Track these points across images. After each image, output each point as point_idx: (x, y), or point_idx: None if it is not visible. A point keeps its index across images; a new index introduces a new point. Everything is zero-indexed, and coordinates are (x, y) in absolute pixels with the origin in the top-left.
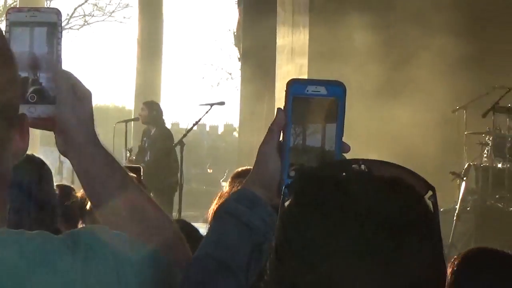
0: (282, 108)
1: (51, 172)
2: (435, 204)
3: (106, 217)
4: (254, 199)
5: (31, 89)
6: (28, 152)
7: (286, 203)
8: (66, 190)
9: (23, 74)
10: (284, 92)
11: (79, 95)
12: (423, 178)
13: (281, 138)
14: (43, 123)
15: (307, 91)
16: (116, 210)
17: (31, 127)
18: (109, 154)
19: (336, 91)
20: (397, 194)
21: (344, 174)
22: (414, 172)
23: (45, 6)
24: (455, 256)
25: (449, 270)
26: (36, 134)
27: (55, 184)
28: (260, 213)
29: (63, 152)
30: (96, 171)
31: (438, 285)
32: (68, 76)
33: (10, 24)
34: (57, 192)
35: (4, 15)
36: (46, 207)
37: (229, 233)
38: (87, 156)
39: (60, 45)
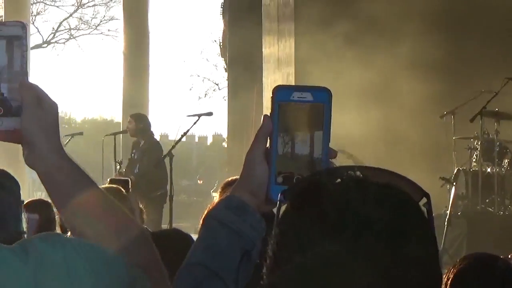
0: (269, 114)
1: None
2: (429, 211)
3: (70, 223)
4: (243, 205)
5: None
6: (13, 167)
7: (282, 210)
8: (45, 204)
9: None
10: (270, 99)
11: (44, 107)
12: (417, 184)
13: (268, 145)
14: (9, 136)
15: (293, 97)
16: (79, 216)
17: None
18: (74, 164)
19: (322, 96)
20: (393, 202)
21: (340, 180)
22: (408, 179)
23: (30, 20)
24: (450, 264)
25: (445, 278)
26: (19, 149)
27: (35, 198)
28: (249, 220)
29: (30, 164)
30: (61, 181)
31: None
32: (33, 88)
33: None
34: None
35: None
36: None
37: (218, 240)
38: (52, 167)
39: (26, 57)
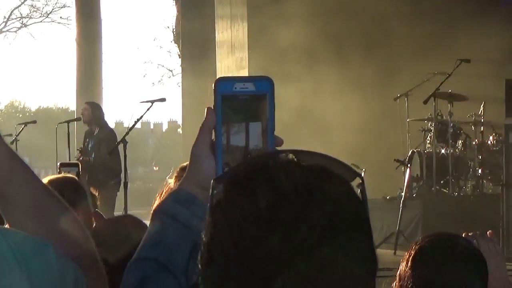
0: (212, 107)
1: None
2: (363, 192)
3: (6, 211)
4: (191, 198)
5: None
6: None
7: (215, 197)
8: None
9: None
10: (213, 91)
11: None
12: (350, 167)
13: (213, 137)
14: None
15: (235, 88)
16: (16, 205)
17: None
18: (11, 150)
19: (265, 86)
20: (327, 184)
21: (272, 162)
22: (341, 161)
23: None
24: (406, 245)
25: (406, 255)
26: None
27: None
28: (197, 212)
29: None
30: None
31: (371, 276)
32: None
33: None
34: None
35: None
36: None
37: (167, 234)
38: None
39: None
